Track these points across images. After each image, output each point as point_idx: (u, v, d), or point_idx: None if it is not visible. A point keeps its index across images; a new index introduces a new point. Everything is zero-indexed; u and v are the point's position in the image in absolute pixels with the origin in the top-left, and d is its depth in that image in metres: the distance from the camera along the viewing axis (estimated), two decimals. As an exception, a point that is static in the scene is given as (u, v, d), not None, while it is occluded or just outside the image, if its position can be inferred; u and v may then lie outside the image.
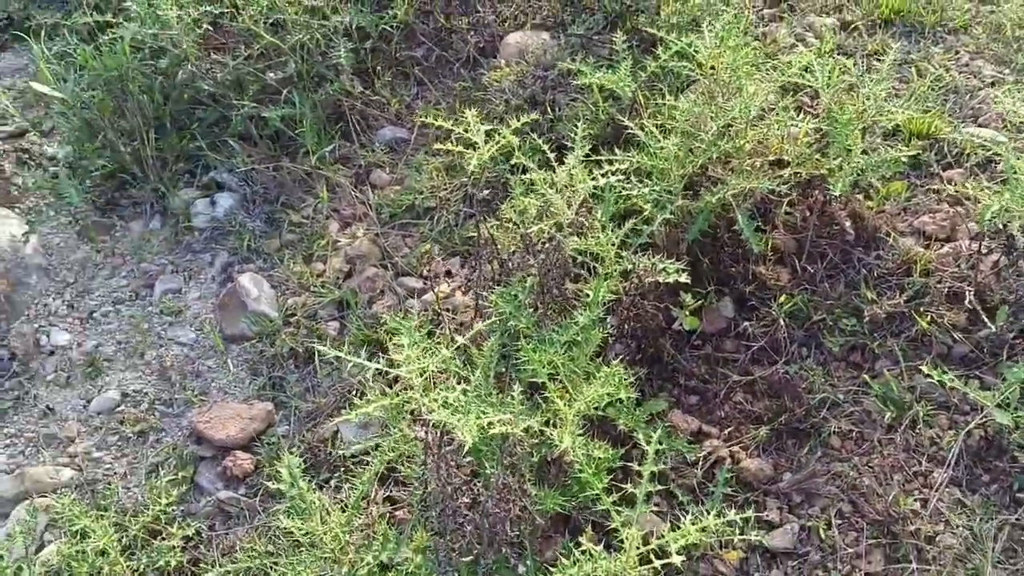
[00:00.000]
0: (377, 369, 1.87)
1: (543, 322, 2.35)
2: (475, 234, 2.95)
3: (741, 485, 2.45)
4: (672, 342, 2.69)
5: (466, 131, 2.37)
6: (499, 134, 2.39)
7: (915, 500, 2.32)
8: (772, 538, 2.32)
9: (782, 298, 2.69)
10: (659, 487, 2.39)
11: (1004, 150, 2.44)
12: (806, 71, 2.83)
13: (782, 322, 2.66)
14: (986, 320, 2.49)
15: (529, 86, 3.39)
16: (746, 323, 2.72)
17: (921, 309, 2.61)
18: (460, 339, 1.91)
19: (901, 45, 3.37)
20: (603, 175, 2.52)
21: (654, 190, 2.61)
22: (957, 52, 3.33)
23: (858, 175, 2.68)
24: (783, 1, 3.66)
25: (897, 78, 3.26)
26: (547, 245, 2.33)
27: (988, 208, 2.33)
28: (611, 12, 3.54)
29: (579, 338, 2.24)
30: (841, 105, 2.70)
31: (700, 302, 2.69)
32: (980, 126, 3.03)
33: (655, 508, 2.39)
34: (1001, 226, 2.45)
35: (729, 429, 2.56)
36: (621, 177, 2.53)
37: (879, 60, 3.26)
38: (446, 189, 3.27)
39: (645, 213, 2.60)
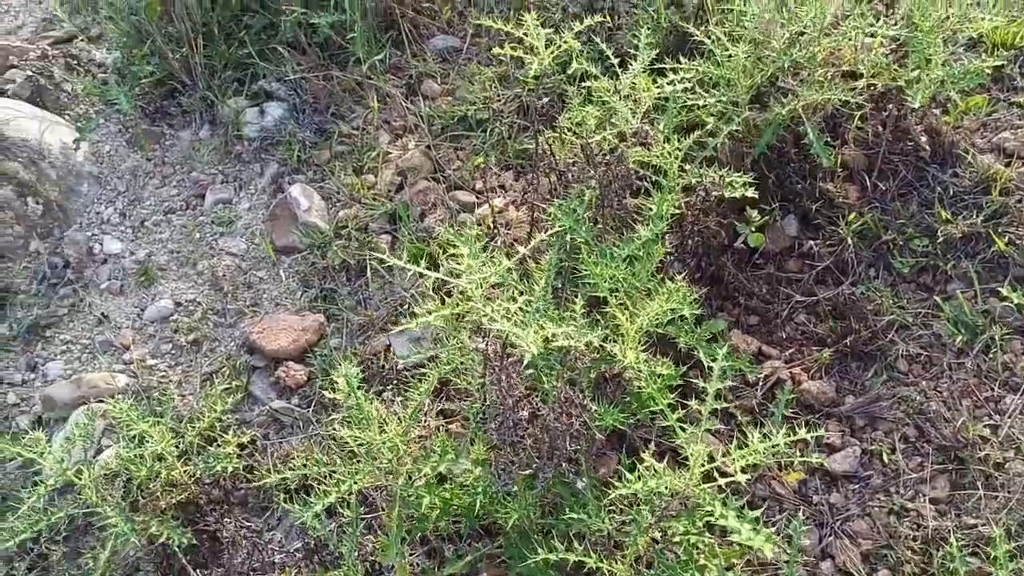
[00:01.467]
0: (436, 279, 1.81)
1: (603, 236, 2.27)
2: (530, 147, 2.86)
3: (802, 407, 2.39)
4: (733, 260, 2.60)
5: (526, 35, 2.26)
6: (561, 38, 2.28)
7: (985, 426, 2.24)
8: (833, 461, 2.27)
9: (851, 216, 2.59)
10: (720, 410, 2.36)
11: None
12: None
13: (849, 241, 2.56)
14: (1069, 242, 2.37)
15: (577, -11, 3.25)
16: (811, 242, 2.62)
17: (999, 229, 2.49)
18: (522, 249, 1.84)
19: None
20: (668, 83, 2.41)
21: (720, 101, 2.49)
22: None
23: (937, 88, 2.53)
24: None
25: (981, -15, 3.06)
26: (608, 156, 2.24)
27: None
28: (676, -87, 3.35)
29: (640, 253, 2.17)
30: (923, 11, 2.53)
31: (765, 219, 2.59)
32: (1070, 37, 2.85)
33: (714, 428, 2.34)
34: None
35: (790, 350, 2.49)
36: (687, 86, 2.43)
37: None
38: (499, 100, 3.17)
39: (709, 126, 2.50)
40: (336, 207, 3.03)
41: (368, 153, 3.13)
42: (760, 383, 2.41)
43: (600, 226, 2.31)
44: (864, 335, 2.44)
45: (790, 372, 2.45)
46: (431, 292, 2.46)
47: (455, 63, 3.36)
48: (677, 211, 2.35)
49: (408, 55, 3.36)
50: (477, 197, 2.96)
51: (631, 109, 2.22)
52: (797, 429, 2.37)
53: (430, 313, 1.65)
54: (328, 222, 2.98)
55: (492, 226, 2.79)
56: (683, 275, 2.44)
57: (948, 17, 2.58)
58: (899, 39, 2.62)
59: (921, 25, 2.49)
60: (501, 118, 3.11)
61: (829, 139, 2.70)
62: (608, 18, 3.14)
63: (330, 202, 3.05)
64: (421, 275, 2.01)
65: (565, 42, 2.31)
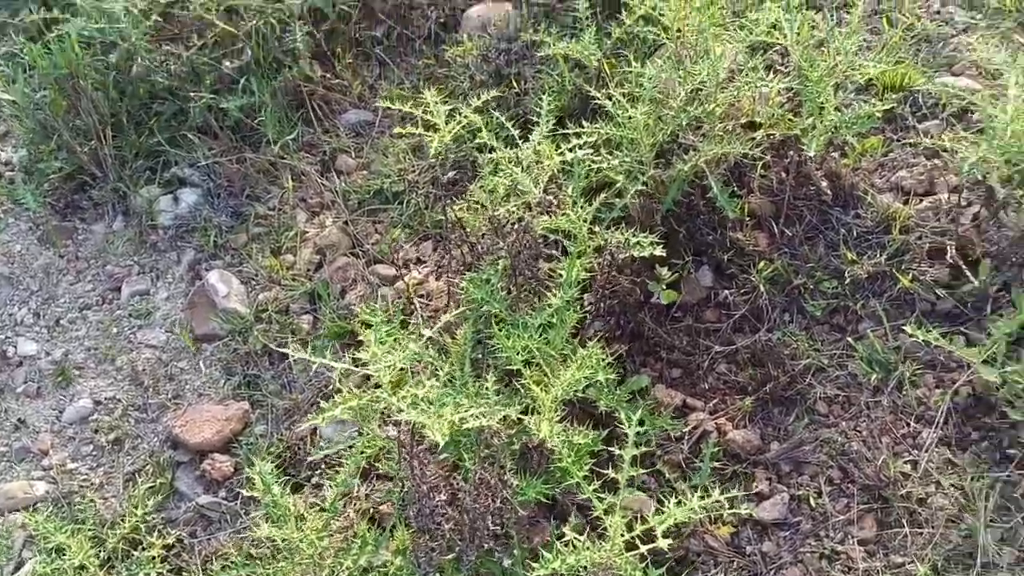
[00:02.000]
0: (346, 367, 1.80)
1: (517, 305, 2.29)
2: (445, 217, 2.88)
3: (729, 457, 2.41)
4: (652, 316, 2.63)
5: (426, 113, 2.29)
6: (460, 114, 2.31)
7: (905, 462, 2.28)
8: (763, 510, 2.29)
9: (761, 264, 2.64)
10: (646, 467, 2.37)
11: (979, 99, 2.37)
12: (774, 28, 2.75)
13: (762, 288, 2.60)
14: (969, 275, 2.44)
15: (493, 60, 3.29)
16: (726, 291, 2.66)
17: (902, 267, 2.56)
18: (428, 331, 1.84)
19: (868, -5, 3.29)
20: (571, 149, 2.45)
21: (624, 161, 2.54)
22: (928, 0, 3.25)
23: (832, 133, 2.62)
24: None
25: (868, 29, 3.18)
26: (516, 226, 2.26)
27: (966, 160, 2.27)
28: (574, -23, 3.44)
29: (554, 320, 2.18)
30: (811, 62, 2.62)
31: (678, 274, 2.64)
32: (954, 75, 2.96)
33: (642, 487, 2.35)
34: (980, 177, 2.40)
35: (714, 401, 2.52)
36: (590, 150, 2.47)
37: (849, 12, 3.19)
38: (414, 171, 3.19)
39: (618, 185, 2.54)
40: (256, 290, 3.01)
41: (286, 233, 3.12)
42: (686, 437, 2.42)
43: (514, 294, 2.32)
44: (783, 380, 2.47)
45: (715, 423, 2.47)
46: (346, 379, 2.44)
47: (368, 136, 3.38)
48: (589, 273, 2.38)
49: (320, 132, 3.37)
50: (397, 270, 2.96)
51: (534, 178, 2.24)
52: (725, 480, 2.40)
53: (337, 406, 1.63)
54: (248, 306, 2.95)
55: (410, 300, 2.79)
56: (601, 336, 2.47)
57: (836, 65, 2.68)
58: (792, 89, 2.70)
59: (810, 75, 2.58)
60: (417, 189, 3.12)
61: (736, 189, 2.76)
62: (516, 84, 3.20)
63: (249, 286, 3.02)
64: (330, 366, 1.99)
65: (466, 117, 2.34)
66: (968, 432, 2.31)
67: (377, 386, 1.71)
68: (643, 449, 1.88)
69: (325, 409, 1.64)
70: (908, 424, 2.35)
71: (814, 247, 2.69)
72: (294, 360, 2.77)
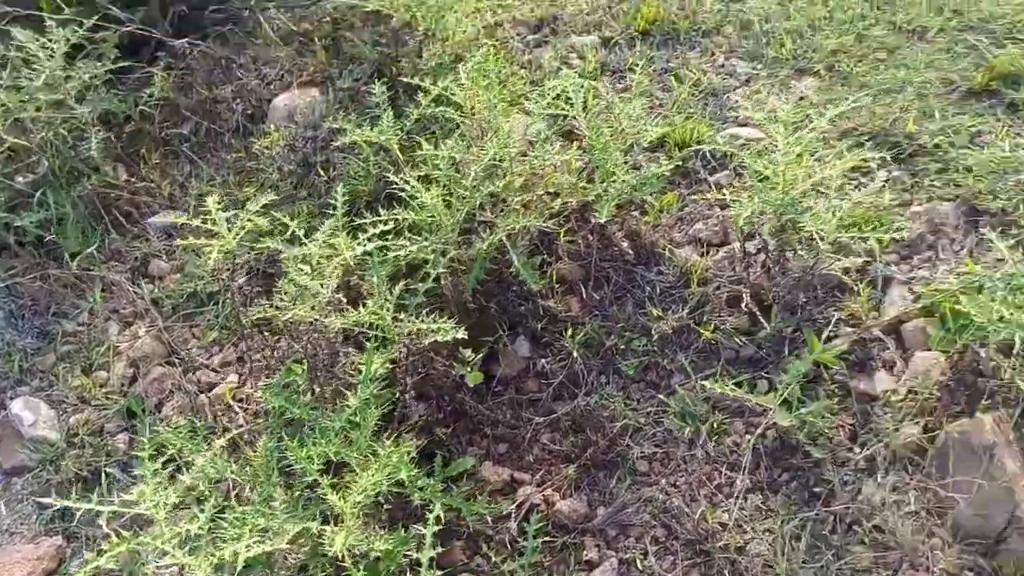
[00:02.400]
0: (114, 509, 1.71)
1: (322, 407, 2.24)
2: (265, 314, 2.82)
3: (558, 528, 2.41)
4: (472, 394, 2.63)
5: (205, 222, 2.25)
6: (241, 218, 2.27)
7: (723, 512, 2.33)
8: (592, 579, 2.29)
9: (574, 329, 2.68)
10: (471, 552, 2.35)
11: (748, 156, 2.48)
12: (560, 98, 2.83)
13: (575, 354, 2.64)
14: (763, 320, 2.54)
15: (300, 149, 3.28)
16: (543, 360, 2.68)
17: (704, 318, 2.64)
18: (218, 442, 1.78)
19: (660, 54, 3.43)
20: (369, 239, 2.44)
21: (423, 247, 2.54)
22: (713, 54, 3.42)
23: (628, 195, 2.70)
24: (546, 25, 3.68)
25: (660, 87, 3.32)
26: (309, 327, 2.23)
27: (740, 215, 2.36)
28: (376, 60, 3.47)
29: (357, 419, 2.15)
30: (597, 130, 2.70)
31: (490, 349, 2.65)
32: (741, 125, 3.11)
33: (475, 571, 2.32)
34: (753, 231, 2.51)
35: (541, 472, 2.52)
36: (391, 236, 2.46)
37: (641, 72, 3.32)
38: (228, 270, 3.11)
39: (426, 268, 2.55)
40: (66, 414, 2.86)
41: (96, 349, 2.99)
42: (513, 514, 2.41)
43: (317, 394, 2.28)
44: (603, 444, 2.50)
45: (543, 495, 2.47)
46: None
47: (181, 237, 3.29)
48: (394, 363, 2.36)
49: (130, 238, 3.26)
50: (216, 375, 2.88)
51: (330, 272, 2.21)
52: (555, 552, 2.39)
53: (101, 555, 1.55)
54: (59, 432, 2.80)
55: (229, 406, 2.71)
56: (423, 419, 2.45)
57: (623, 129, 2.77)
58: (583, 157, 2.78)
59: (595, 144, 2.66)
60: (230, 288, 3.05)
61: (546, 256, 2.81)
62: (323, 172, 3.18)
63: (59, 409, 2.88)
64: (98, 511, 1.88)
65: (249, 220, 2.30)
66: (778, 475, 2.38)
67: (150, 523, 1.63)
68: (436, 551, 1.84)
69: (89, 560, 1.55)
70: (723, 473, 2.40)
71: (623, 307, 2.75)
72: (108, 485, 2.64)
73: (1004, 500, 2.07)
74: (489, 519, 2.37)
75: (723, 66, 3.36)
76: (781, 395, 2.29)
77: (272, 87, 3.60)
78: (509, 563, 2.31)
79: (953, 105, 3.02)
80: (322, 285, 2.18)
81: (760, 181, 2.39)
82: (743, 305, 2.59)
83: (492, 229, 2.57)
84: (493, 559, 2.32)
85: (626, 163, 2.70)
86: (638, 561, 2.31)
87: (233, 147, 3.48)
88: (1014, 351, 2.16)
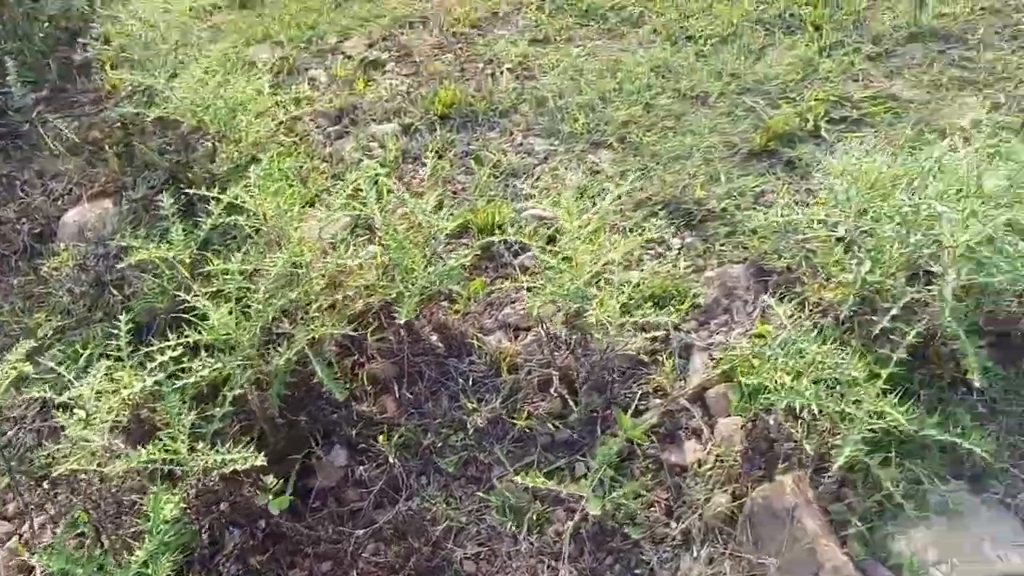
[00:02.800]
0: None
1: (112, 560, 2.08)
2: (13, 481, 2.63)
3: (387, 648, 2.32)
4: (288, 514, 2.51)
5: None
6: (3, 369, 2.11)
7: (551, 605, 2.30)
8: None
9: (388, 433, 2.61)
10: None
11: (535, 246, 2.51)
12: (355, 199, 2.80)
13: (392, 459, 2.57)
14: (572, 403, 2.55)
15: (92, 268, 3.11)
16: (361, 468, 2.60)
17: (518, 406, 2.63)
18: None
19: (460, 136, 3.46)
20: (160, 366, 2.31)
21: (217, 367, 2.43)
22: (511, 133, 3.47)
23: (431, 288, 2.67)
24: (346, 115, 3.65)
25: (462, 170, 3.33)
26: (92, 475, 2.08)
27: (532, 306, 2.37)
28: (168, 168, 3.35)
29: (148, 570, 2.00)
30: (391, 227, 2.67)
31: (303, 463, 2.55)
32: (539, 204, 3.15)
33: None
34: (552, 316, 2.52)
35: (367, 587, 2.43)
36: (188, 358, 2.34)
37: (441, 157, 3.33)
38: (21, 406, 2.90)
39: (225, 388, 2.43)
40: None
41: None
42: (338, 640, 2.31)
43: (108, 545, 2.12)
44: (426, 551, 2.43)
45: (370, 613, 2.37)
46: None
47: (-34, 375, 3.04)
48: (197, 496, 2.23)
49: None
50: (11, 524, 2.64)
51: (96, 427, 2.07)
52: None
53: None
54: None
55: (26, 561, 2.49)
56: (238, 547, 2.31)
57: (417, 225, 2.76)
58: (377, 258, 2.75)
59: (390, 242, 2.63)
60: (23, 426, 2.84)
61: (357, 355, 2.75)
62: (117, 291, 3.02)
63: None
64: None
65: (14, 368, 2.14)
66: (603, 558, 2.37)
67: None
68: None
69: None
70: (548, 565, 2.37)
71: (438, 402, 2.70)
72: None
73: (808, 561, 2.12)
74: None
75: (522, 144, 3.41)
76: (592, 482, 2.30)
77: (60, 202, 3.41)
78: None
79: (737, 167, 3.17)
80: (95, 432, 2.04)
81: (548, 270, 2.42)
82: (553, 389, 2.59)
83: (291, 341, 2.49)
84: None
85: (424, 257, 2.67)
86: (470, 670, 2.24)
87: (20, 270, 3.27)
88: (798, 414, 2.24)
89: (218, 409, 2.38)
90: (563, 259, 2.48)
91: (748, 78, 3.52)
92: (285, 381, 2.51)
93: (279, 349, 2.48)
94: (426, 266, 2.66)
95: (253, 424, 2.58)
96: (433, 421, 2.66)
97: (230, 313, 2.47)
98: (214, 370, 2.40)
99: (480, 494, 2.50)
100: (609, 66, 3.66)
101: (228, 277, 2.54)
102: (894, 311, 2.13)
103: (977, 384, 2.03)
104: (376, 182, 2.80)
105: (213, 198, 2.78)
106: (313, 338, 2.50)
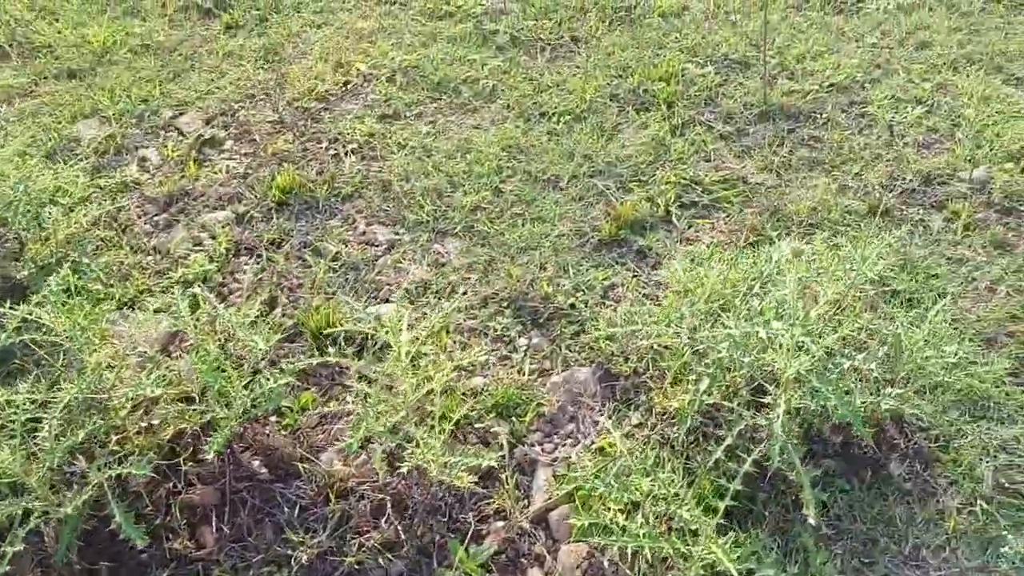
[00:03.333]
0: None
1: None
2: None
3: None
4: None
5: None
6: None
7: None
8: None
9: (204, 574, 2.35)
10: None
11: (355, 376, 2.31)
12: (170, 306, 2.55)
13: (211, 605, 2.31)
14: (403, 534, 2.35)
15: None
16: (173, 618, 2.33)
17: (348, 537, 2.41)
18: None
19: (299, 226, 3.24)
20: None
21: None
22: (354, 221, 3.27)
23: (251, 412, 2.44)
24: (177, 201, 3.38)
25: (299, 264, 3.11)
26: None
27: (351, 444, 2.17)
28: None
29: None
30: (201, 347, 2.43)
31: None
32: (382, 301, 2.96)
33: None
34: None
35: None
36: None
37: (279, 247, 3.11)
38: None
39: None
40: None
41: None
42: None
43: None
44: None
45: None
46: None
47: None
48: None
49: None
50: None
51: None
52: None
53: None
54: None
55: None
56: None
57: (232, 336, 2.53)
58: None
59: (200, 364, 2.39)
60: None
61: (174, 482, 2.48)
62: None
63: None
64: None
65: None
66: None
67: None
68: None
69: None
70: None
71: (263, 533, 2.46)
72: None
73: None
74: None
75: (364, 233, 3.22)
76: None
77: None
78: None
79: (587, 258, 3.05)
80: None
81: (366, 399, 2.22)
82: (384, 518, 2.39)
83: (84, 482, 2.21)
84: None
85: (241, 377, 2.44)
86: None
87: None
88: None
89: (9, 548, 2.09)
90: (384, 387, 2.29)
91: (601, 159, 3.43)
92: (78, 528, 2.23)
93: (67, 493, 2.20)
94: (246, 385, 2.43)
95: (51, 569, 2.29)
96: (256, 556, 2.41)
97: (13, 453, 2.19)
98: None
99: (303, 645, 2.27)
100: (459, 145, 3.51)
101: (13, 411, 2.25)
102: (728, 440, 2.02)
103: (812, 522, 1.93)
104: (192, 289, 2.56)
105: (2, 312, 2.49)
106: (110, 478, 2.23)
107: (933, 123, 3.55)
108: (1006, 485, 2.33)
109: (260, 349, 2.39)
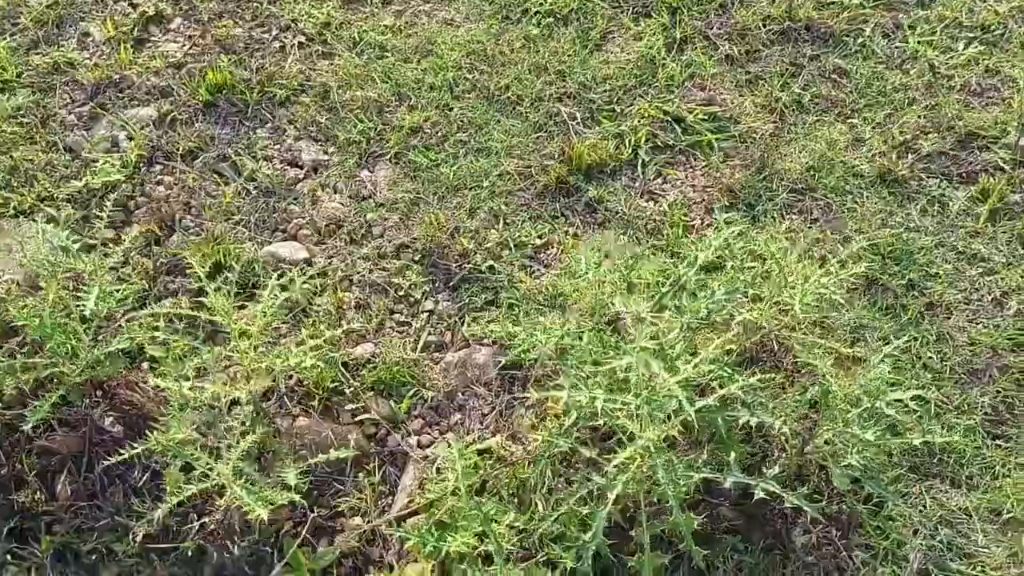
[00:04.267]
0: None
1: None
2: None
3: None
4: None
5: None
6: None
7: None
8: None
9: (47, 535, 2.22)
10: None
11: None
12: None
13: (48, 569, 2.19)
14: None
15: None
16: None
17: (190, 516, 2.22)
18: None
19: (224, 133, 2.89)
20: None
21: None
22: (283, 132, 2.90)
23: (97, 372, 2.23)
24: (106, 89, 3.05)
25: (213, 180, 2.78)
26: None
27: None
28: None
29: None
30: (47, 294, 2.19)
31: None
32: (288, 238, 2.63)
33: None
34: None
35: None
36: None
37: (194, 162, 2.80)
38: None
39: None
40: None
41: None
42: None
43: None
44: None
45: None
46: None
47: None
48: None
49: None
50: None
51: None
52: None
53: None
54: None
55: None
56: None
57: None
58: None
59: (29, 322, 2.16)
60: None
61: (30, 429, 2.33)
62: None
63: None
64: None
65: None
66: None
67: None
68: None
69: None
70: None
71: (115, 495, 2.29)
72: None
73: None
74: None
75: (290, 150, 2.85)
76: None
77: None
78: None
79: (525, 207, 2.64)
80: None
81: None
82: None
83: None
84: None
85: (89, 331, 2.21)
86: None
87: None
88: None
89: None
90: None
91: (575, 78, 2.91)
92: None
93: None
94: (94, 343, 2.21)
95: None
96: (101, 519, 2.26)
97: None
98: None
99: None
100: (420, 46, 3.04)
101: None
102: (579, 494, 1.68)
103: None
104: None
105: None
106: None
107: (994, 62, 2.86)
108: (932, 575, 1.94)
109: (90, 309, 2.13)
